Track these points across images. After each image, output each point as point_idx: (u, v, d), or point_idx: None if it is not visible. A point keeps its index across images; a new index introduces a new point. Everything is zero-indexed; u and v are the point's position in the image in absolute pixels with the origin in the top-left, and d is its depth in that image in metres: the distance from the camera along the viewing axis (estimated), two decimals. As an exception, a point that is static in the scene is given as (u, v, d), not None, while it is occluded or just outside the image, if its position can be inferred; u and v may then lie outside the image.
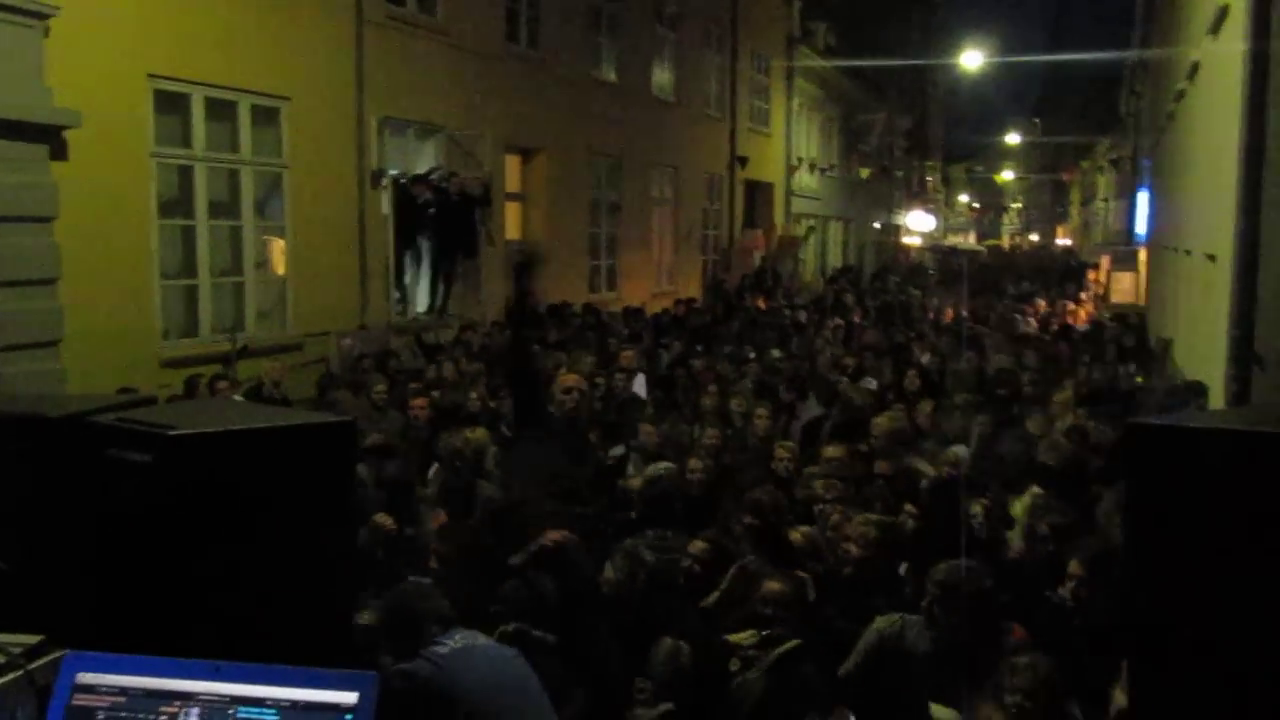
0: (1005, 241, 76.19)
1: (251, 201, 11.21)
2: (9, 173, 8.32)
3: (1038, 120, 71.04)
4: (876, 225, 41.74)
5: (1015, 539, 5.91)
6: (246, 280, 11.24)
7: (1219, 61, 8.64)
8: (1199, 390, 8.10)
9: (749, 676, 4.25)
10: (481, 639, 3.80)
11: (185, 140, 10.43)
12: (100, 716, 1.48)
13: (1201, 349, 9.33)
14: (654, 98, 20.78)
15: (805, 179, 29.94)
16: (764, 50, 26.54)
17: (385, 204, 12.78)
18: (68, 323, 8.78)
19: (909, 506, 5.87)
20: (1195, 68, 10.98)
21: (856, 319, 18.45)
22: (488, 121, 14.50)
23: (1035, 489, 6.80)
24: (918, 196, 50.63)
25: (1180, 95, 12.80)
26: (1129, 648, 2.77)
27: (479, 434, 7.28)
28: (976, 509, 5.87)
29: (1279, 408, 6.02)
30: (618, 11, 18.92)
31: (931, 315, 19.56)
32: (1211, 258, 8.56)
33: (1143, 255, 21.02)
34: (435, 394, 9.02)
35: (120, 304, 9.48)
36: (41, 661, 1.81)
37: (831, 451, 7.00)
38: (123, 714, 1.48)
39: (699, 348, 12.75)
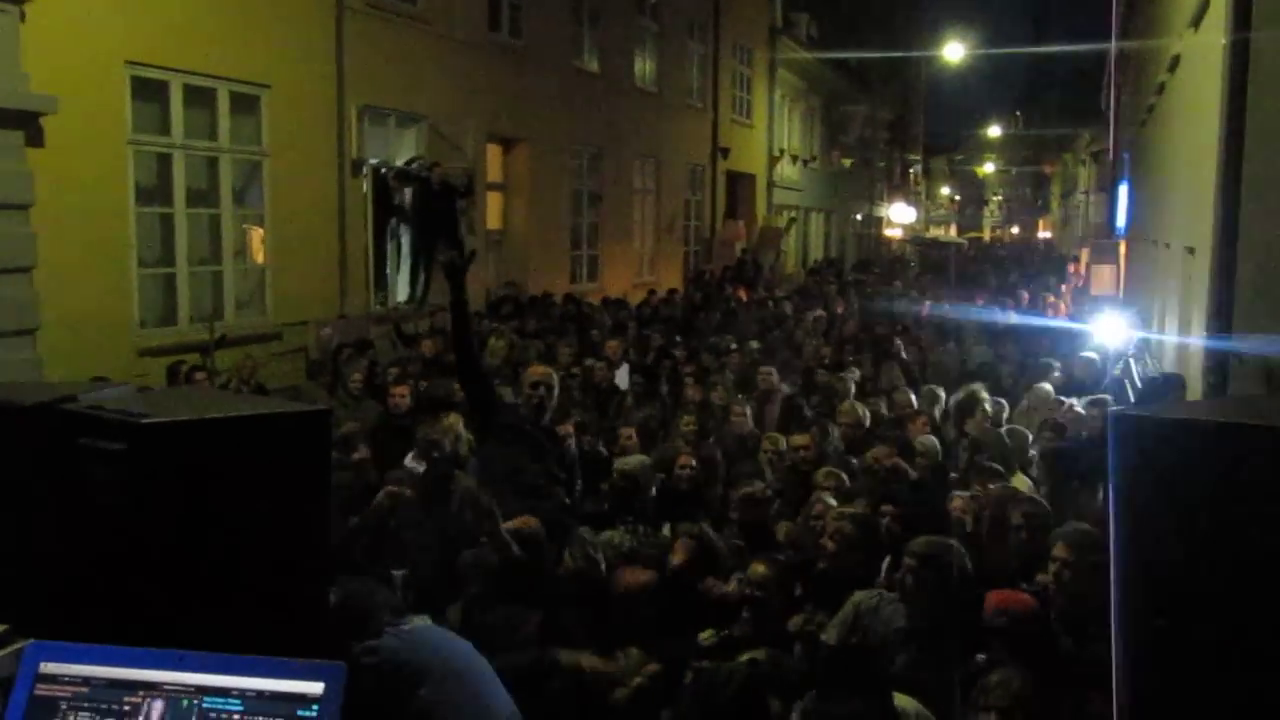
0: (986, 234, 76.53)
1: (230, 190, 11.13)
2: (-16, 159, 8.24)
3: (1019, 113, 71.35)
4: (858, 217, 41.82)
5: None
6: (225, 269, 11.16)
7: (1199, 54, 8.67)
8: (1178, 382, 8.14)
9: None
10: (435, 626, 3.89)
11: (163, 128, 10.34)
12: (63, 707, 1.46)
13: (1179, 341, 9.37)
14: (636, 88, 20.75)
15: (787, 170, 29.97)
16: (746, 41, 26.54)
17: (365, 190, 12.71)
18: (44, 311, 8.69)
19: (887, 506, 5.85)
20: (1176, 61, 11.01)
21: (839, 310, 18.47)
22: (469, 111, 14.45)
23: (1023, 477, 6.84)
24: (899, 189, 50.73)
25: (1161, 88, 12.84)
26: (1112, 639, 2.78)
27: (453, 420, 7.21)
28: (959, 503, 5.89)
29: (1256, 400, 6.05)
30: (600, 1, 18.87)
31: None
32: (1190, 250, 8.60)
33: (1122, 248, 21.09)
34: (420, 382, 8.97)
35: (97, 292, 9.40)
36: (4, 652, 1.78)
37: (797, 440, 7.03)
38: (86, 704, 1.46)
39: (678, 338, 12.73)
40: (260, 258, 11.72)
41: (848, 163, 35.82)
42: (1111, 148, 27.53)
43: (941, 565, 4.45)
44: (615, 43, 19.58)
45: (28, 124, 8.55)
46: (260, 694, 1.43)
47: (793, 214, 30.70)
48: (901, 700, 3.80)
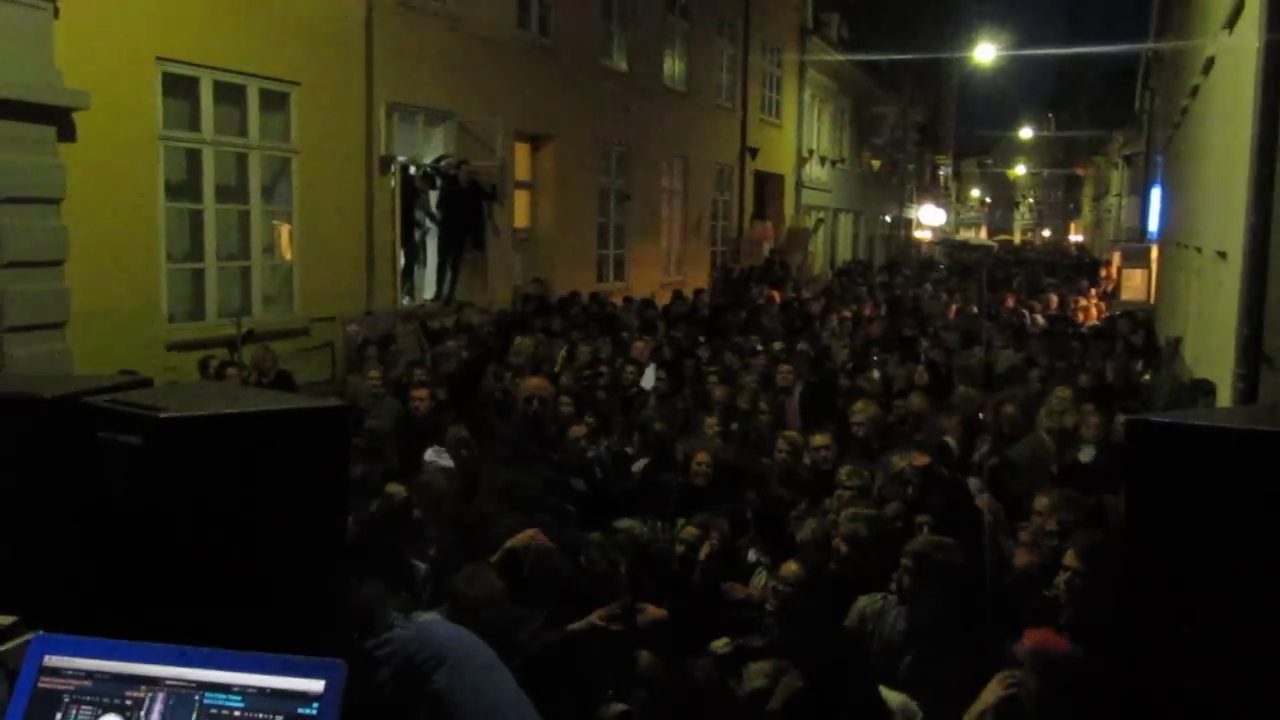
0: (1017, 237, 76.01)
1: (259, 186, 11.20)
2: (17, 154, 8.32)
3: (1051, 115, 70.76)
4: (887, 219, 41.63)
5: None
6: (253, 265, 11.24)
7: (1233, 56, 8.57)
8: (1207, 388, 8.04)
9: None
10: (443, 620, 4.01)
11: (194, 124, 10.42)
12: (66, 700, 1.47)
13: (1211, 347, 9.27)
14: (665, 87, 20.72)
15: (816, 171, 29.86)
16: (776, 41, 26.45)
17: (393, 188, 12.77)
18: (74, 304, 8.79)
19: (923, 516, 5.77)
20: (1210, 63, 10.89)
21: (867, 312, 18.40)
22: (498, 109, 14.47)
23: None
24: (929, 190, 50.46)
25: (1194, 90, 12.70)
26: (1129, 645, 2.75)
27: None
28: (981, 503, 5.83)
29: (1278, 408, 5.97)
30: (629, 0, 18.86)
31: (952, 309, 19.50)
32: (1222, 255, 8.50)
33: (1154, 252, 20.90)
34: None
35: (127, 287, 9.48)
36: (12, 644, 1.80)
37: (818, 440, 7.00)
38: (88, 697, 1.47)
39: (701, 339, 12.70)
40: (288, 254, 11.80)
41: (876, 164, 35.63)
42: (1145, 150, 27.30)
43: (938, 565, 4.42)
44: (644, 42, 19.56)
45: (60, 119, 8.64)
46: (261, 690, 1.44)
47: (821, 215, 30.59)
48: (888, 695, 3.80)
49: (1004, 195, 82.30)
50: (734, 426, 8.49)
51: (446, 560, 4.98)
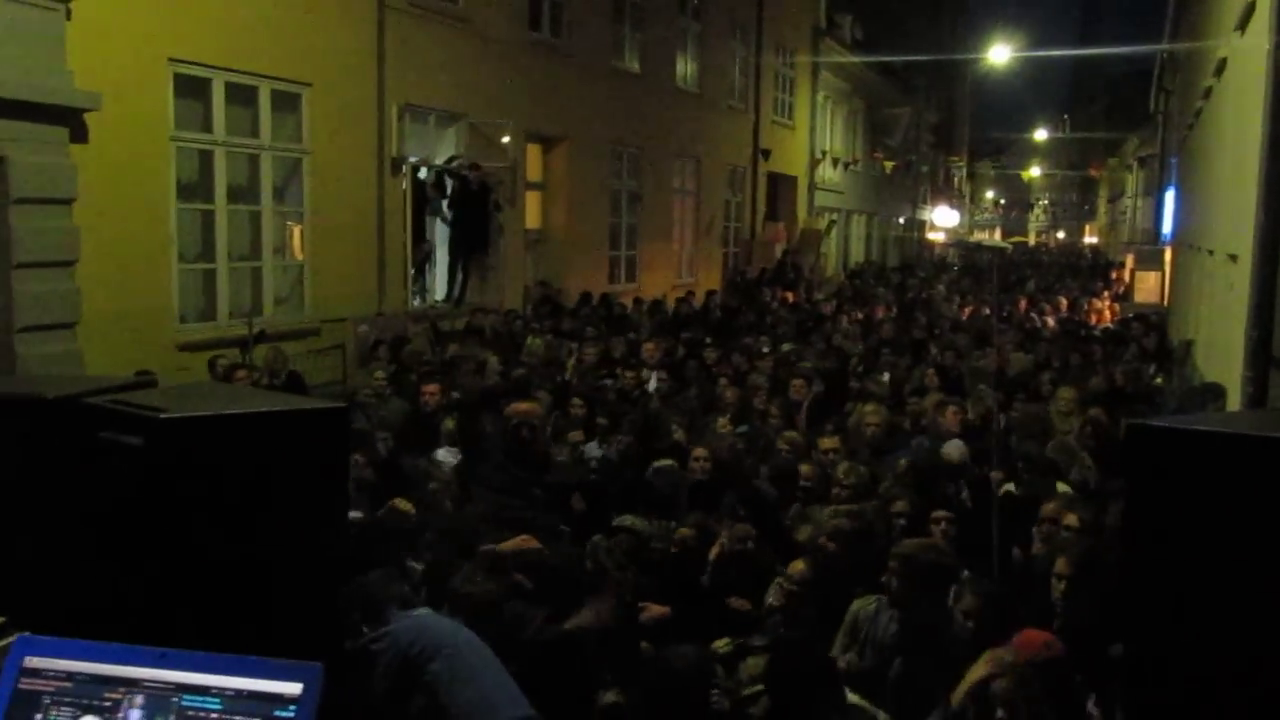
0: (1032, 239, 75.73)
1: (271, 187, 11.25)
2: (29, 154, 8.38)
3: (1067, 117, 70.53)
4: (900, 220, 41.54)
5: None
6: (264, 265, 11.29)
7: (1245, 58, 8.52)
8: (1217, 392, 8.00)
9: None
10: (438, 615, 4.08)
11: (205, 125, 10.47)
12: (46, 701, 1.48)
13: (1222, 350, 9.21)
14: (677, 88, 20.72)
15: (829, 172, 29.81)
16: (789, 42, 26.42)
17: (404, 189, 12.81)
18: (85, 305, 8.84)
19: (940, 512, 5.75)
20: (1222, 64, 10.83)
21: (879, 314, 18.37)
22: (509, 110, 14.50)
23: (1064, 486, 6.73)
24: (943, 192, 50.34)
25: (1208, 92, 12.63)
26: (1123, 653, 2.75)
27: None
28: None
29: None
30: (641, 1, 18.86)
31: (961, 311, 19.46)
32: (1233, 257, 8.45)
33: (1168, 255, 20.80)
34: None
35: (138, 287, 9.53)
36: (0, 644, 1.81)
37: (827, 443, 6.99)
38: (68, 699, 1.48)
39: (707, 340, 12.69)
40: (299, 255, 11.84)
41: (889, 165, 35.55)
42: (1159, 152, 27.18)
43: (925, 567, 4.42)
44: (657, 43, 19.57)
45: (72, 120, 8.69)
46: (239, 693, 1.45)
47: (833, 216, 30.54)
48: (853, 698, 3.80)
49: (1018, 197, 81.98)
50: (743, 428, 8.50)
51: (441, 562, 4.98)
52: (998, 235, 72.71)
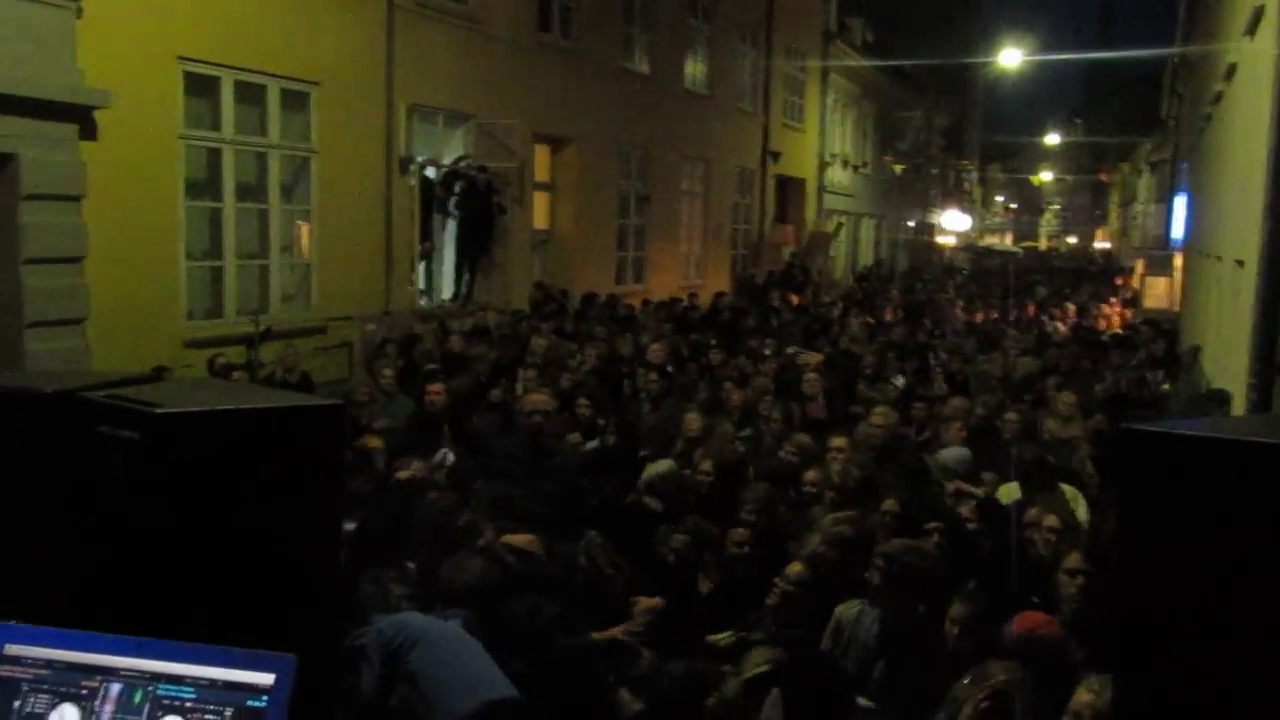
0: (1043, 243, 75.58)
1: (279, 185, 11.29)
2: (40, 151, 8.43)
3: (1079, 121, 70.34)
4: (910, 224, 41.47)
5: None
6: (272, 263, 11.32)
7: (1254, 62, 8.50)
8: (1222, 398, 7.99)
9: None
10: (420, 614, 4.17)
11: (214, 123, 10.51)
12: (24, 688, 1.50)
13: (1228, 356, 9.20)
14: (686, 90, 20.72)
15: (838, 175, 29.79)
16: (799, 45, 26.39)
17: (412, 188, 12.84)
18: (94, 301, 8.88)
19: (934, 523, 5.72)
20: (1232, 69, 10.82)
21: (887, 317, 18.35)
22: (518, 111, 14.52)
23: (1070, 490, 6.70)
24: (953, 196, 50.26)
25: (1218, 97, 12.61)
26: (1117, 656, 2.74)
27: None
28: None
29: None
30: (651, 3, 18.87)
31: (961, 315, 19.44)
32: (1240, 263, 8.43)
33: (1178, 260, 20.75)
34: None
35: (146, 284, 9.56)
36: (-16, 634, 1.83)
37: (800, 439, 6.99)
38: (45, 686, 1.50)
39: (712, 341, 12.69)
40: (307, 253, 11.87)
41: (899, 168, 35.50)
42: (1171, 157, 27.10)
43: (907, 568, 4.42)
44: (666, 45, 19.58)
45: (82, 117, 8.74)
46: (213, 682, 1.47)
47: (842, 219, 30.52)
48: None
49: (1030, 201, 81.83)
50: (748, 431, 8.49)
51: (432, 562, 5.00)
52: (1008, 240, 72.56)
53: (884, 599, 4.40)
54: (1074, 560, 4.46)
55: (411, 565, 4.85)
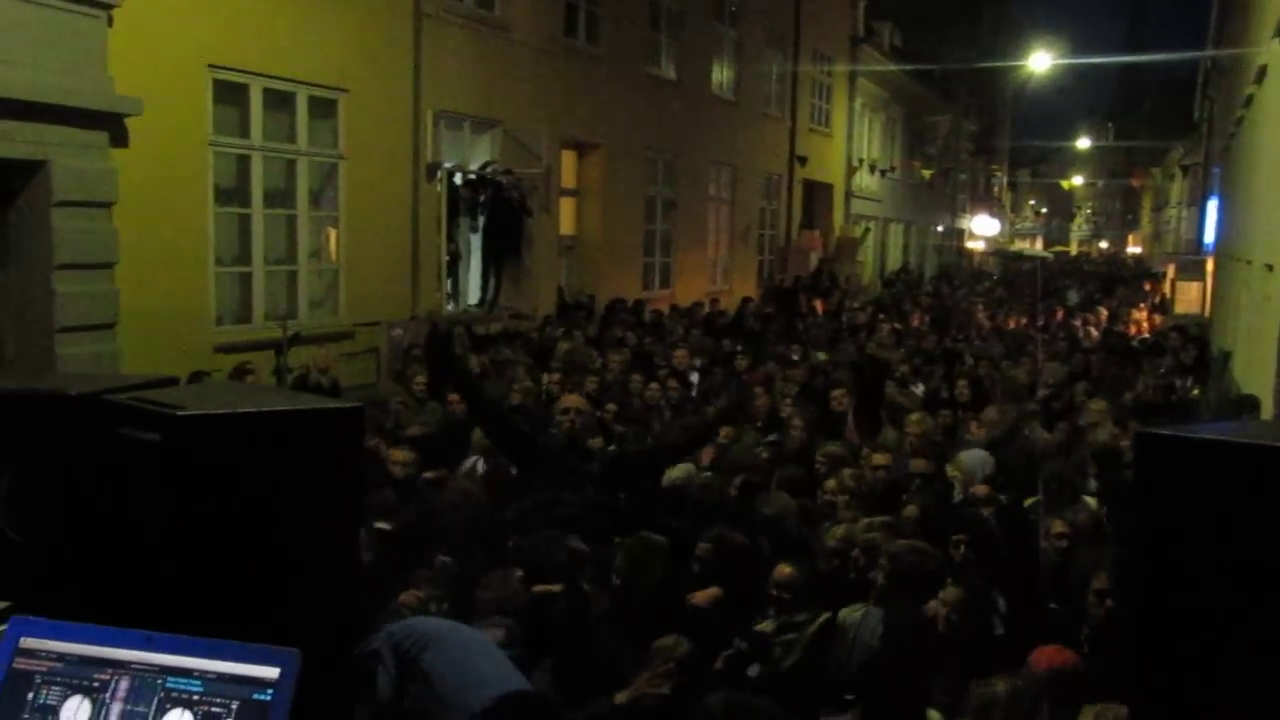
0: (1074, 248, 75.02)
1: (307, 191, 11.39)
2: (71, 158, 8.54)
3: (1110, 124, 69.80)
4: (939, 229, 41.27)
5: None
6: (300, 269, 11.42)
7: (1284, 66, 8.44)
8: (1251, 404, 7.91)
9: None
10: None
11: (243, 130, 10.62)
12: (38, 680, 1.54)
13: (1259, 362, 9.11)
14: (713, 95, 20.73)
15: (866, 180, 29.70)
16: (826, 49, 26.35)
17: (439, 194, 12.90)
18: (124, 306, 8.98)
19: (959, 535, 5.68)
20: (1262, 71, 10.72)
21: (915, 323, 18.28)
22: (544, 117, 14.58)
23: (1091, 501, 6.66)
24: (983, 200, 49.98)
25: (1249, 100, 12.50)
26: (1132, 663, 2.73)
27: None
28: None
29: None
30: (678, 8, 18.90)
31: (989, 321, 19.32)
32: (1270, 267, 8.35)
33: (1210, 265, 20.55)
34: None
35: (176, 289, 9.66)
36: (3, 628, 1.87)
37: (831, 448, 6.97)
38: (58, 679, 1.53)
39: (738, 347, 12.67)
40: (335, 258, 11.97)
41: (927, 173, 35.34)
42: (1203, 160, 26.86)
43: (911, 569, 4.41)
44: (693, 50, 19.59)
45: (113, 125, 8.85)
46: (220, 676, 1.50)
47: (868, 224, 30.42)
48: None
49: (1060, 206, 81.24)
50: (773, 436, 8.48)
51: (468, 567, 5.03)
52: (1039, 245, 72.05)
53: (887, 597, 4.39)
54: (1102, 581, 4.43)
55: (444, 560, 4.89)
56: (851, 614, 4.57)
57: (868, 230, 30.19)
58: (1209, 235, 23.02)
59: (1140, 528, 2.70)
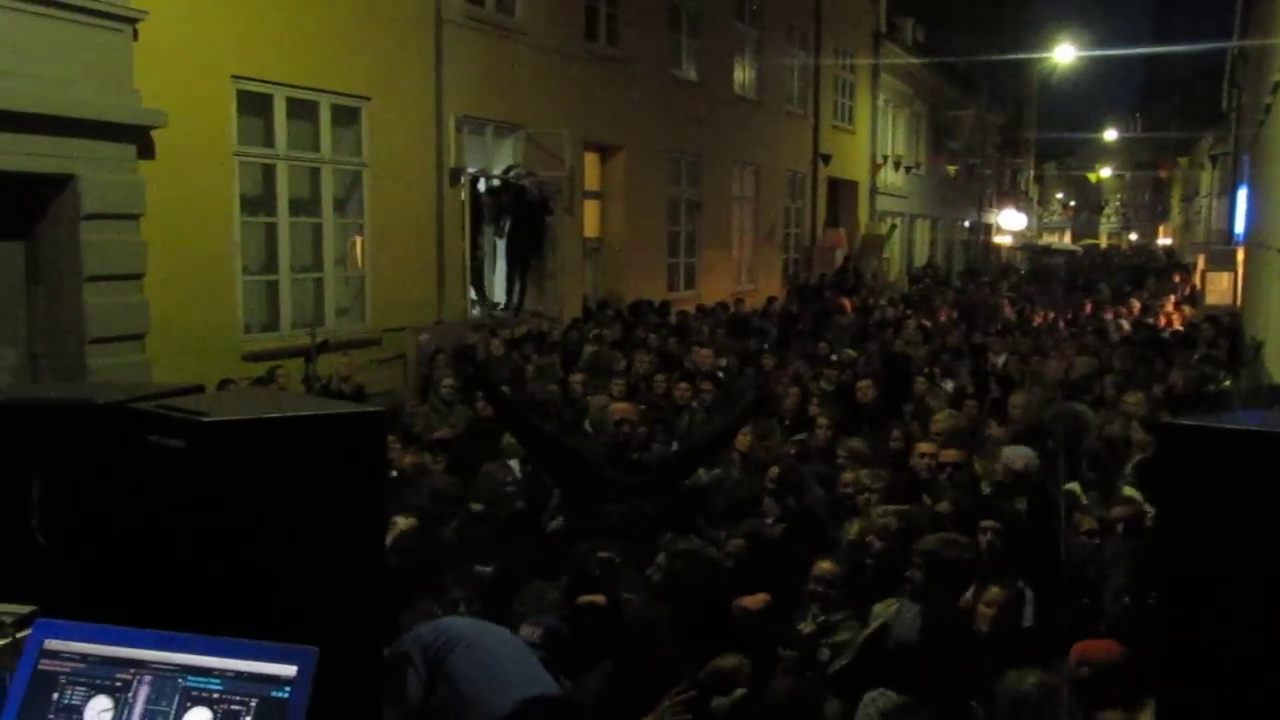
0: (1103, 241, 74.35)
1: (331, 199, 11.48)
2: (99, 171, 8.66)
3: (1138, 115, 69.17)
4: (965, 224, 41.04)
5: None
6: (326, 276, 11.51)
7: (1311, 52, 8.34)
8: (1281, 393, 7.81)
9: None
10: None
11: (268, 140, 10.72)
12: (61, 681, 1.57)
13: (1290, 351, 9.01)
14: (735, 95, 20.72)
15: (890, 176, 29.57)
16: (848, 46, 26.26)
17: (462, 199, 12.96)
18: (153, 317, 9.09)
19: (988, 522, 5.64)
20: (1290, 60, 10.60)
21: (942, 318, 18.18)
22: (566, 120, 14.62)
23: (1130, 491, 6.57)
24: (1009, 194, 49.65)
25: (1275, 88, 12.37)
26: (1157, 655, 2.71)
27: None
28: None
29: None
30: (699, 9, 18.91)
31: (1015, 316, 19.19)
32: (1300, 256, 8.26)
33: (1240, 255, 20.32)
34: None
35: (204, 299, 9.77)
36: (27, 632, 1.90)
37: (854, 444, 6.93)
38: (82, 679, 1.57)
39: (765, 346, 12.65)
40: (360, 265, 12.05)
41: (952, 169, 35.14)
42: (1232, 150, 26.59)
43: (947, 563, 4.39)
44: (714, 50, 19.59)
45: (139, 137, 8.97)
46: (239, 674, 1.52)
47: (894, 221, 30.30)
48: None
49: (1089, 199, 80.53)
50: (802, 435, 8.45)
51: (513, 571, 5.05)
52: (1067, 238, 71.49)
53: (923, 593, 4.38)
54: (1122, 577, 4.41)
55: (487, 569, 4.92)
56: (886, 609, 4.56)
57: (894, 227, 30.06)
58: (1239, 225, 22.78)
59: (1162, 520, 2.70)
